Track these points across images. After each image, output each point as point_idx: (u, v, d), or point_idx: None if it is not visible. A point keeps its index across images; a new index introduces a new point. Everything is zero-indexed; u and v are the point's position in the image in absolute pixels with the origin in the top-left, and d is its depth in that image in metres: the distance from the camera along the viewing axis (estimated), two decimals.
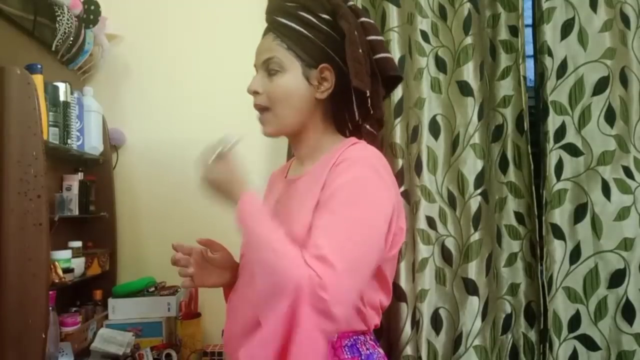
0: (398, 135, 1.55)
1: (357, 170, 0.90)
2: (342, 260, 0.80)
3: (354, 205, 0.86)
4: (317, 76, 0.98)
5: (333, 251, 0.80)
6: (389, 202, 0.91)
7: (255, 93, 1.00)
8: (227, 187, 0.95)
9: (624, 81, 1.62)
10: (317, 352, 0.80)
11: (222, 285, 1.13)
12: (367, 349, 0.96)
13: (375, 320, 0.98)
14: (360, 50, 0.96)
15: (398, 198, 0.98)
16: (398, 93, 1.56)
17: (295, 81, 0.97)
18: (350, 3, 1.05)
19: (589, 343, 1.58)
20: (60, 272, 1.30)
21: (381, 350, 0.99)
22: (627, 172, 1.60)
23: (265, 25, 1.03)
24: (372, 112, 1.02)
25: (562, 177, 1.62)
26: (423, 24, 1.64)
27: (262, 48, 1.00)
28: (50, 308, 1.17)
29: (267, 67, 0.98)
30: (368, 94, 0.97)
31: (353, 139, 1.03)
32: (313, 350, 0.79)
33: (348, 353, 0.93)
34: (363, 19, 1.02)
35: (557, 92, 1.63)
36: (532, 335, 1.64)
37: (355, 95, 1.01)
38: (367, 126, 1.06)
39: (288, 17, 0.97)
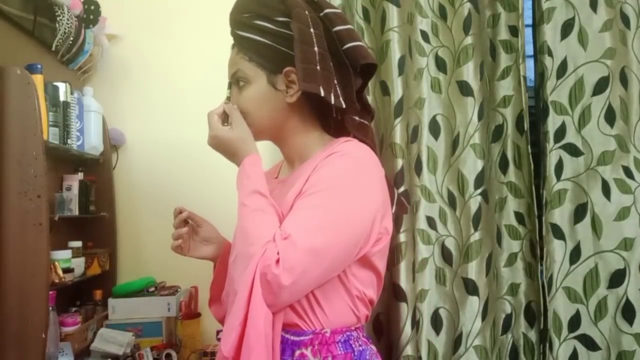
0: (398, 135, 1.55)
1: (345, 162, 0.91)
2: (306, 241, 0.83)
3: (335, 194, 0.88)
4: (284, 80, 0.98)
5: (300, 232, 0.84)
6: (374, 199, 0.92)
7: None
8: (234, 145, 0.97)
9: (624, 81, 1.62)
10: (259, 334, 0.82)
11: (207, 258, 1.14)
12: (360, 345, 0.96)
13: (365, 312, 0.98)
14: (316, 48, 0.94)
15: (385, 198, 0.97)
16: (398, 93, 1.56)
17: (260, 91, 0.98)
18: None
19: (589, 343, 1.58)
20: (60, 272, 1.30)
21: (373, 347, 1.00)
22: (627, 172, 1.61)
23: None
24: (343, 106, 0.97)
25: (562, 177, 1.62)
26: (423, 24, 1.64)
27: (230, 62, 1.02)
28: (50, 308, 1.17)
29: (236, 81, 1.00)
30: (322, 93, 0.93)
31: (344, 138, 1.01)
32: (256, 332, 0.82)
33: (341, 349, 0.93)
34: (327, 10, 1.00)
35: (557, 92, 1.63)
36: (532, 335, 1.64)
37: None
38: (356, 118, 1.03)
39: (245, 29, 0.98)
